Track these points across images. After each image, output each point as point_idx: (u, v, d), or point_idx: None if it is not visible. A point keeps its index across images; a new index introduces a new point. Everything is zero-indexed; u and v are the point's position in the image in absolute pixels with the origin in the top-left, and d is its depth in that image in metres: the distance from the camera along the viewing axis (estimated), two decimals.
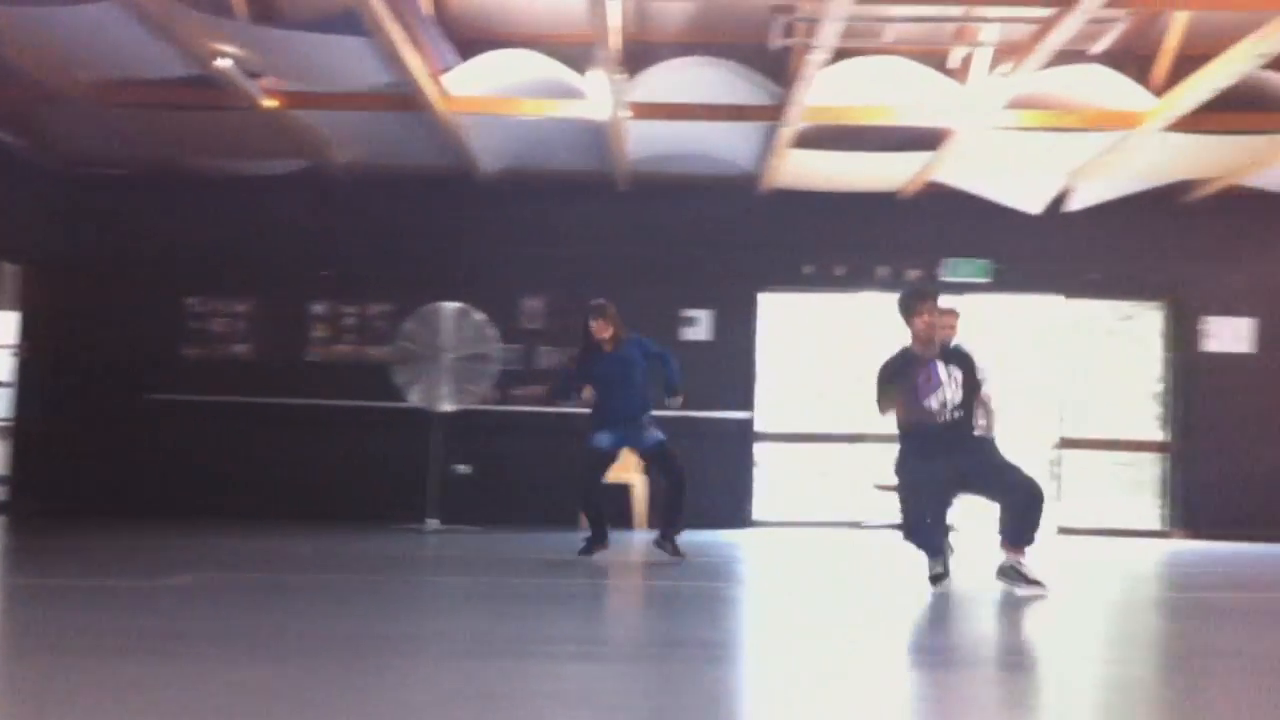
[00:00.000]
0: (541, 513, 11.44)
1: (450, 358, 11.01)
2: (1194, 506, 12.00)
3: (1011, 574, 6.66)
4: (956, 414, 6.81)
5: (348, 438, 11.78)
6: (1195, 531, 11.85)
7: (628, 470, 11.58)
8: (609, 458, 8.56)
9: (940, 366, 6.84)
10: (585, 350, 8.57)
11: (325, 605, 6.06)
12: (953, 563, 6.92)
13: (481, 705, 3.68)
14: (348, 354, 12.13)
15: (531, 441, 11.83)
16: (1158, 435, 12.41)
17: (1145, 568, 9.45)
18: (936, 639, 5.70)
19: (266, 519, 11.11)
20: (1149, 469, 12.63)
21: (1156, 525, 12.27)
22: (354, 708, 3.58)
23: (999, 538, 6.72)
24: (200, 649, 4.54)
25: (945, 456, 6.73)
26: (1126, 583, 8.46)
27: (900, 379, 6.86)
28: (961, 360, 6.96)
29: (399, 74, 8.95)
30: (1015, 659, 5.21)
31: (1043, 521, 6.68)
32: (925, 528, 6.84)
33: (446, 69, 9.52)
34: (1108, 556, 10.13)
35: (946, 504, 6.93)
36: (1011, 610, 6.28)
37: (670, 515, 8.45)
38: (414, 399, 11.04)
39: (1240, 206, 11.79)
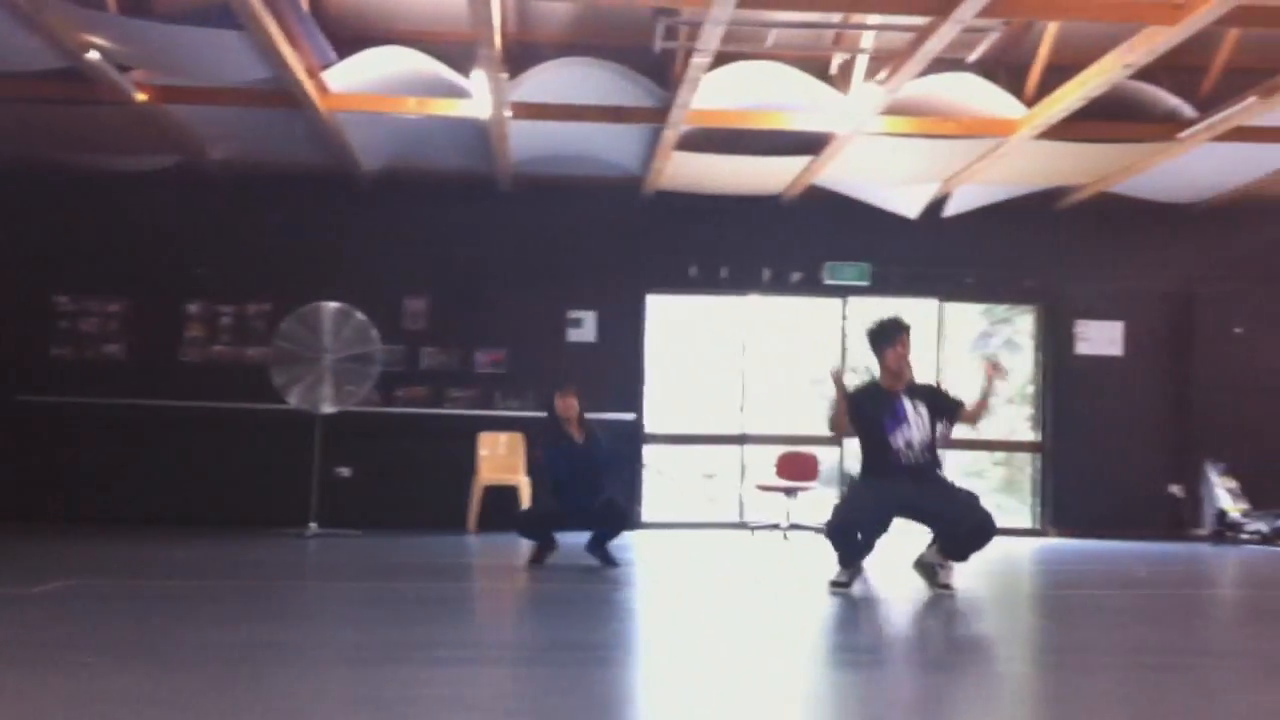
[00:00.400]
0: (424, 516, 11.34)
1: (331, 359, 10.85)
2: (1065, 505, 12.34)
3: (928, 570, 6.71)
4: (924, 456, 6.68)
5: (225, 441, 11.53)
6: (1067, 530, 12.18)
7: (514, 472, 11.55)
8: (559, 520, 8.39)
9: (907, 404, 6.71)
10: (553, 434, 8.46)
11: (203, 612, 5.92)
12: (859, 582, 6.85)
13: (366, 712, 3.62)
14: (224, 355, 11.88)
15: (414, 444, 11.71)
16: (1031, 436, 12.73)
17: (1021, 565, 9.67)
18: (824, 638, 5.76)
19: (142, 525, 10.82)
20: (1024, 469, 12.97)
21: (1030, 524, 12.59)
22: (234, 717, 3.51)
23: (936, 544, 6.73)
24: (73, 658, 4.40)
25: (901, 487, 6.64)
26: (1004, 580, 8.65)
27: (865, 412, 6.72)
28: (926, 395, 6.83)
29: (275, 69, 8.78)
30: (901, 656, 5.30)
31: (974, 551, 6.69)
32: (854, 538, 6.70)
33: (325, 65, 9.38)
34: (985, 554, 10.33)
35: (884, 526, 6.79)
36: (897, 609, 6.39)
37: (607, 535, 8.36)
38: (293, 401, 10.85)
39: (1110, 213, 12.15)
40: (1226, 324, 12.45)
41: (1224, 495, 11.81)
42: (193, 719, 3.48)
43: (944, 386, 7.03)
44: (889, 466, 6.66)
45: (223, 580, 7.43)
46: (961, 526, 6.57)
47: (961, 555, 6.69)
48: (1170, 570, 9.30)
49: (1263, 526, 11.54)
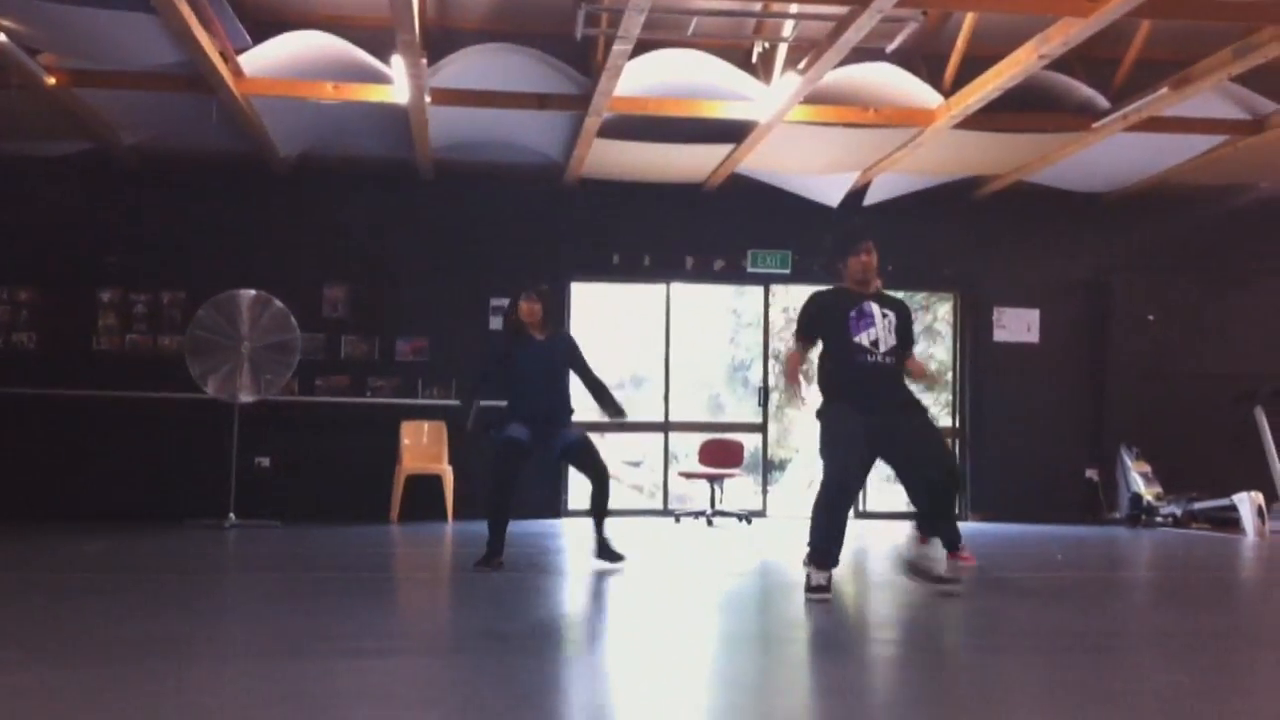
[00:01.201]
0: (346, 506, 11.24)
1: (249, 347, 10.69)
2: (984, 490, 12.52)
3: (919, 570, 6.33)
4: (888, 359, 6.11)
5: (141, 431, 11.34)
6: (986, 514, 12.35)
7: (437, 461, 11.48)
8: (526, 451, 7.34)
9: (875, 306, 6.20)
10: (508, 337, 7.64)
11: (117, 606, 5.81)
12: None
13: (286, 706, 3.57)
14: (139, 344, 11.66)
15: (335, 433, 11.60)
16: (950, 422, 12.90)
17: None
18: (742, 624, 5.78)
19: (55, 517, 10.60)
20: None
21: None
22: (150, 712, 3.44)
23: (913, 523, 6.53)
24: None
25: (871, 411, 6.00)
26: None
27: (829, 313, 6.23)
28: (897, 306, 6.32)
29: (189, 54, 8.62)
30: (829, 640, 5.34)
31: (953, 507, 6.43)
32: (845, 519, 6.10)
33: (240, 50, 9.23)
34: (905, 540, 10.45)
35: (867, 473, 6.31)
36: (835, 595, 6.42)
37: (597, 521, 7.47)
38: (211, 390, 10.69)
39: (1027, 202, 12.33)
40: (1140, 311, 12.70)
41: (1138, 479, 12.05)
42: (105, 715, 3.41)
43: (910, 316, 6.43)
44: (854, 368, 6.08)
45: (138, 573, 7.30)
46: (928, 473, 6.08)
47: (937, 525, 6.44)
48: (1086, 553, 9.46)
49: (1176, 510, 11.79)
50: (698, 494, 12.44)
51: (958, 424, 12.81)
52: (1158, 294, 12.72)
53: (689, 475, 12.13)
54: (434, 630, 5.53)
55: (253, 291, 10.79)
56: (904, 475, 6.39)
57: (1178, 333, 12.63)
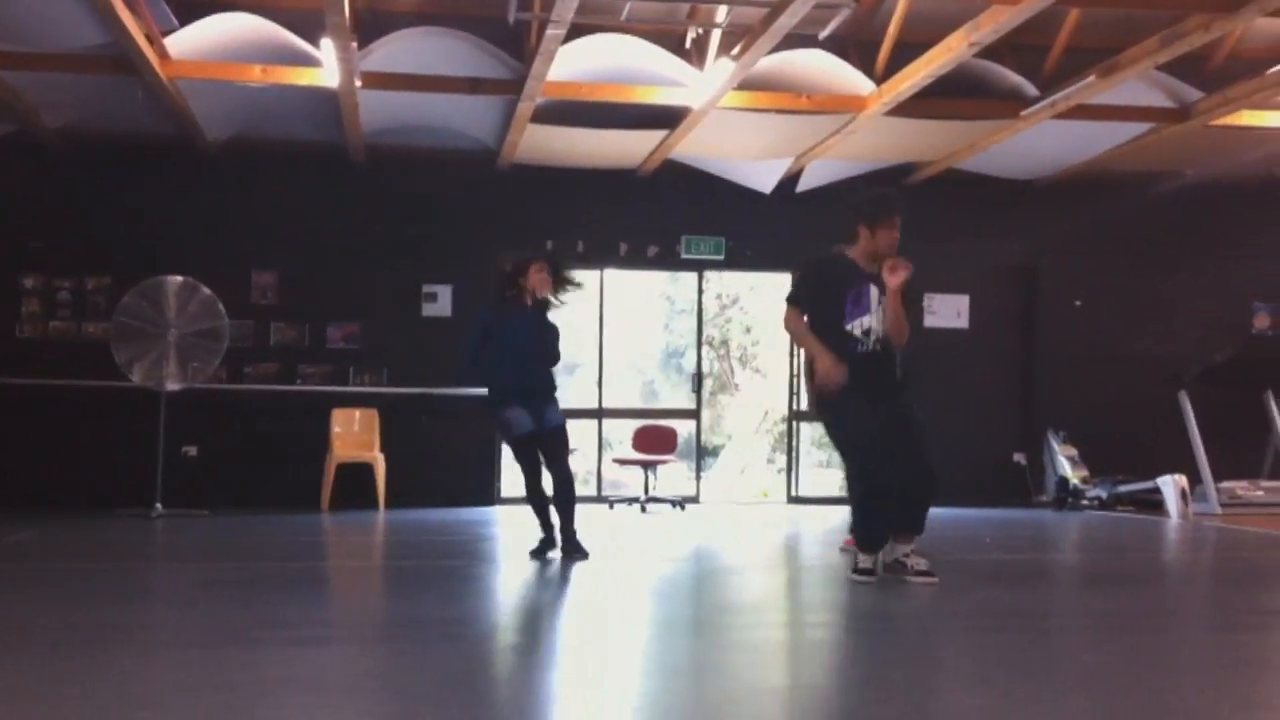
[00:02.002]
0: (276, 495, 11.11)
1: (175, 334, 10.52)
2: None
3: (898, 568, 6.10)
4: (878, 346, 5.96)
5: (66, 419, 11.12)
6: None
7: (369, 449, 11.39)
8: (535, 440, 7.20)
9: (874, 291, 5.95)
10: (496, 305, 7.35)
11: (43, 595, 5.71)
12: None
13: (214, 695, 3.53)
14: (63, 330, 11.43)
15: (264, 422, 11.44)
16: None
17: None
18: (676, 609, 5.80)
19: None
20: None
21: None
22: (79, 702, 3.38)
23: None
24: None
25: (876, 399, 5.93)
26: None
27: (828, 290, 5.98)
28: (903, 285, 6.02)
29: (113, 35, 8.45)
30: (761, 624, 5.36)
31: (926, 510, 6.14)
32: (876, 526, 5.99)
33: (166, 31, 9.06)
34: (841, 521, 10.53)
35: (891, 468, 5.99)
36: (755, 576, 6.47)
37: (564, 519, 7.21)
38: (137, 378, 10.51)
39: (957, 189, 12.42)
40: (1067, 297, 12.87)
41: (1065, 463, 12.23)
42: (32, 705, 3.35)
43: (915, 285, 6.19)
44: (845, 356, 5.91)
45: (64, 562, 7.18)
46: (909, 474, 5.95)
47: (913, 524, 6.12)
48: (1015, 536, 9.58)
49: (1102, 493, 11.98)
50: (632, 480, 12.45)
51: None
52: (1085, 279, 12.89)
53: (623, 462, 12.14)
54: (366, 619, 5.49)
55: (179, 278, 10.62)
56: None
57: (1104, 317, 12.80)
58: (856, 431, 5.96)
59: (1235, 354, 11.99)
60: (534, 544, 7.26)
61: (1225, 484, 11.65)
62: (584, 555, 7.10)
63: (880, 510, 5.96)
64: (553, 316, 7.48)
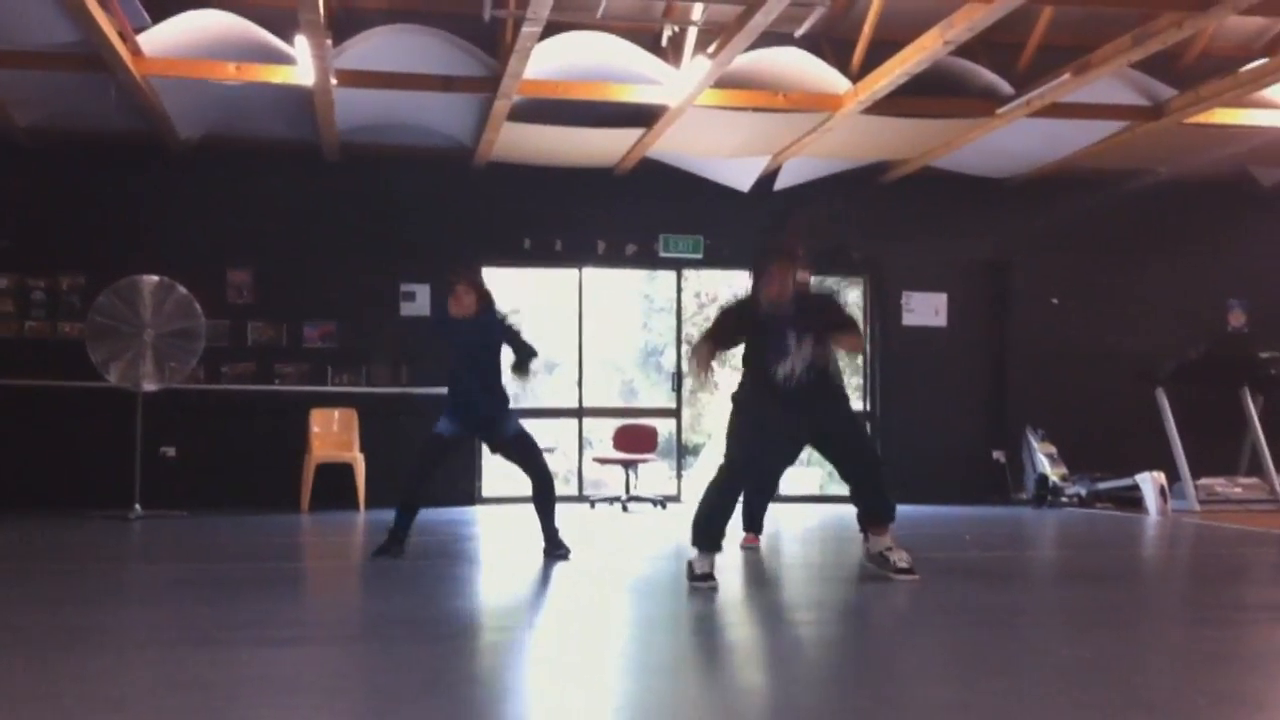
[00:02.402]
0: (254, 496, 11.06)
1: (152, 334, 10.47)
2: (893, 471, 12.56)
3: (880, 562, 6.06)
4: (806, 376, 5.95)
5: (41, 420, 11.04)
6: (896, 495, 12.45)
7: (348, 449, 11.35)
8: (451, 445, 7.22)
9: (790, 335, 5.92)
10: (443, 321, 7.43)
11: (19, 597, 5.66)
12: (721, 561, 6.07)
13: (191, 695, 3.50)
14: (37, 330, 11.36)
15: (242, 422, 11.41)
16: (860, 405, 13.01)
17: (850, 531, 9.86)
18: (656, 608, 5.79)
19: None
20: None
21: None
22: (53, 703, 3.35)
23: (859, 519, 6.23)
24: None
25: (787, 419, 5.98)
26: (835, 546, 8.84)
27: (746, 333, 6.03)
28: (814, 309, 6.07)
29: (85, 32, 8.41)
30: (741, 622, 5.35)
31: (883, 494, 6.16)
32: (717, 520, 5.92)
33: (139, 29, 9.01)
34: (820, 521, 10.55)
35: (775, 475, 6.38)
36: (733, 574, 6.45)
37: (544, 518, 7.17)
38: (113, 378, 10.45)
39: (933, 187, 12.46)
40: (1043, 294, 12.91)
41: (1044, 460, 12.27)
42: (7, 704, 3.32)
43: (837, 300, 6.35)
44: (772, 391, 5.94)
45: (40, 563, 7.13)
46: (852, 465, 6.14)
47: (875, 512, 6.13)
48: (994, 533, 9.61)
49: (1080, 490, 12.02)
50: (612, 479, 12.44)
51: (868, 407, 12.93)
52: (1061, 276, 12.94)
53: (603, 461, 12.12)
54: (342, 618, 5.46)
55: (155, 277, 10.56)
56: (836, 467, 6.45)
57: (1081, 315, 12.86)
58: (745, 420, 5.99)
59: (1210, 351, 12.06)
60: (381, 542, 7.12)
61: (1203, 481, 11.71)
62: (565, 554, 7.05)
63: (724, 504, 5.92)
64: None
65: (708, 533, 5.86)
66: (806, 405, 5.95)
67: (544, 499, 7.15)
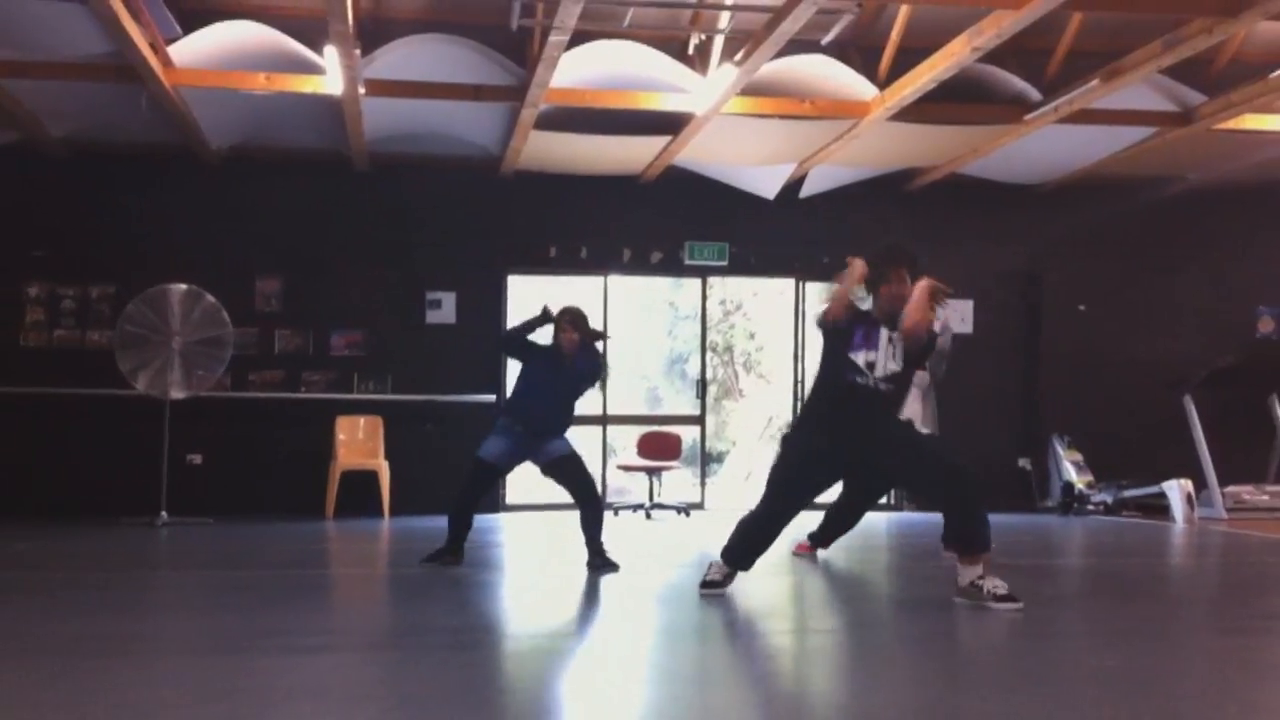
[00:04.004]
0: (280, 502, 11.12)
1: (180, 342, 10.52)
2: None
3: (973, 594, 5.48)
4: (884, 385, 5.72)
5: (71, 428, 11.12)
6: (920, 502, 12.42)
7: (373, 457, 11.39)
8: (499, 473, 7.49)
9: (884, 335, 5.79)
10: (531, 345, 7.41)
11: (48, 605, 5.70)
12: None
13: (219, 703, 3.52)
14: (67, 339, 11.44)
15: (268, 429, 11.45)
16: None
17: (878, 539, 9.85)
18: (681, 616, 5.78)
19: None
20: None
21: (886, 499, 12.81)
22: (82, 712, 3.38)
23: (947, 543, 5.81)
24: None
25: (852, 436, 5.72)
26: (861, 554, 8.81)
27: (838, 328, 5.81)
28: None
29: (117, 43, 8.47)
30: (764, 632, 5.34)
31: (978, 517, 5.59)
32: (746, 549, 5.88)
33: (170, 40, 9.08)
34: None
35: (818, 489, 6.04)
36: (784, 583, 6.45)
37: (591, 534, 7.11)
38: (142, 386, 10.51)
39: (960, 193, 12.42)
40: (1070, 301, 12.85)
41: (1070, 468, 12.20)
42: (36, 714, 3.34)
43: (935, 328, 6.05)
44: (842, 388, 5.71)
45: (69, 572, 7.17)
46: (938, 490, 5.74)
47: (965, 539, 5.58)
48: (1020, 541, 9.56)
49: (1106, 498, 11.95)
50: (636, 487, 12.45)
51: None
52: (1088, 284, 12.88)
53: (627, 468, 12.13)
54: (370, 626, 5.48)
55: (184, 286, 10.62)
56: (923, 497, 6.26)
57: (1108, 322, 12.79)
58: (790, 460, 5.89)
59: (1240, 358, 11.98)
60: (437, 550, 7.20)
61: (1230, 488, 11.63)
62: (613, 568, 6.98)
63: (757, 538, 5.87)
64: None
65: (733, 554, 5.90)
66: (869, 422, 5.69)
67: (594, 519, 7.13)
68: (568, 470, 7.23)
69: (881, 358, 5.71)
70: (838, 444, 5.74)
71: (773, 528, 5.88)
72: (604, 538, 7.13)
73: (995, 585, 5.45)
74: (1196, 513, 11.08)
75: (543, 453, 7.25)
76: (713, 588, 5.82)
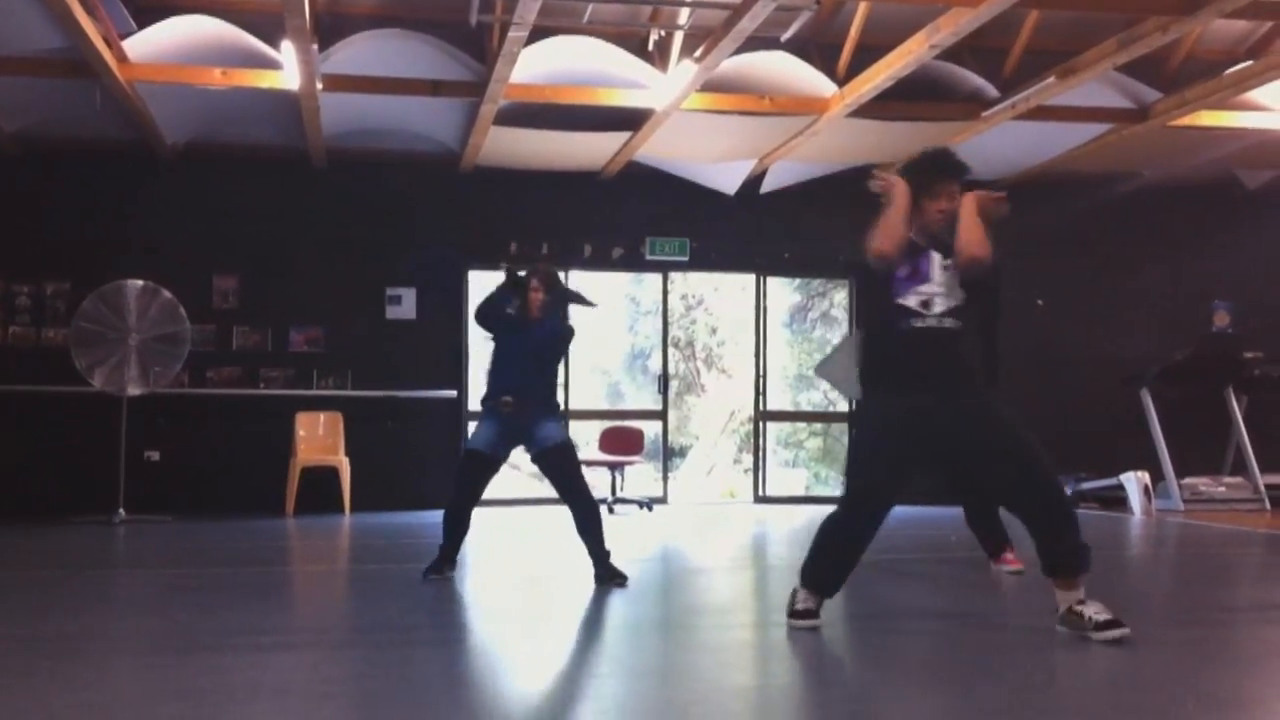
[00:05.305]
0: (240, 500, 11.03)
1: (136, 339, 10.43)
2: None
3: (1074, 622, 4.59)
4: (947, 322, 4.76)
5: (25, 426, 10.98)
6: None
7: (333, 453, 11.33)
8: (491, 465, 6.54)
9: (936, 259, 4.84)
10: (500, 306, 6.57)
11: (3, 605, 5.64)
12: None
13: (178, 702, 3.50)
14: (22, 336, 11.31)
15: (227, 426, 11.37)
16: (847, 407, 13.02)
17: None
18: (644, 611, 5.79)
19: None
20: (840, 439, 13.27)
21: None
22: (39, 711, 3.34)
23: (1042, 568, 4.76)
24: None
25: (920, 390, 4.69)
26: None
27: (890, 268, 4.86)
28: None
29: (70, 38, 8.37)
30: (730, 625, 5.35)
31: (1075, 534, 4.68)
32: (825, 564, 4.90)
33: (125, 34, 8.99)
34: (807, 522, 10.56)
35: (891, 504, 4.89)
36: (746, 577, 6.47)
37: (592, 543, 6.37)
38: (98, 383, 10.41)
39: None
40: (1029, 296, 12.92)
41: None
42: None
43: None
44: (899, 338, 4.76)
45: (23, 570, 7.10)
46: (1031, 505, 4.76)
47: (1062, 562, 4.66)
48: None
49: (1065, 490, 12.02)
50: (598, 482, 12.42)
51: (855, 408, 12.94)
52: (1046, 279, 12.94)
53: (589, 463, 12.08)
54: (330, 624, 5.46)
55: (140, 282, 10.53)
56: (996, 497, 5.38)
57: (1066, 317, 12.87)
58: (870, 445, 4.98)
59: (1195, 352, 12.10)
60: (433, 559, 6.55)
61: (1188, 480, 11.76)
62: (622, 580, 6.25)
63: (845, 551, 4.89)
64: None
65: (813, 574, 4.90)
66: (944, 376, 4.71)
67: (589, 522, 6.39)
68: (553, 462, 6.45)
69: (940, 290, 4.78)
70: (914, 410, 4.69)
71: (847, 528, 4.89)
72: (607, 545, 6.37)
73: (1096, 610, 4.56)
74: (1154, 504, 11.19)
75: (534, 439, 6.43)
76: (804, 618, 4.83)
